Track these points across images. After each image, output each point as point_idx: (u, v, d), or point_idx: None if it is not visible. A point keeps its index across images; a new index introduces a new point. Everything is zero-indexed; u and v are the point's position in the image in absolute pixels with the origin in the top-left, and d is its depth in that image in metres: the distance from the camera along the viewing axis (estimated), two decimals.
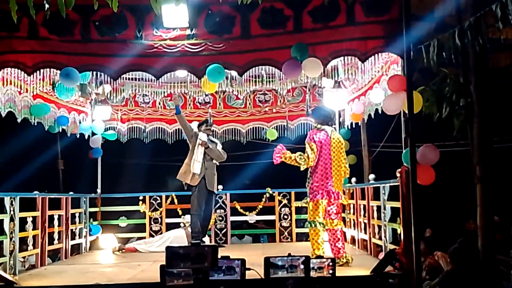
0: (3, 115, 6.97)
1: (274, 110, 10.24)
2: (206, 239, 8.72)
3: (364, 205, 7.79)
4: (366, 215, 7.65)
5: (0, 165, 9.38)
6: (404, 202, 5.50)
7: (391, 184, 6.51)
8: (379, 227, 7.07)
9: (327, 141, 6.47)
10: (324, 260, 3.25)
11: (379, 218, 7.08)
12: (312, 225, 6.39)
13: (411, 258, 5.07)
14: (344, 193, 8.67)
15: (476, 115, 5.54)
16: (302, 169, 6.51)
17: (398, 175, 5.64)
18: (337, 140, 6.59)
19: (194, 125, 8.81)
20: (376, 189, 7.31)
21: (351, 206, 8.70)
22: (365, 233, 7.74)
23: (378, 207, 7.10)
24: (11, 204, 6.60)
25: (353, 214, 8.50)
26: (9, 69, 6.20)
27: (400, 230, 5.84)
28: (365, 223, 7.78)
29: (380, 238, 7.02)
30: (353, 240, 8.63)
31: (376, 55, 6.08)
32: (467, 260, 5.17)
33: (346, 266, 6.29)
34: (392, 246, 6.29)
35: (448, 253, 5.48)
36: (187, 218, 8.93)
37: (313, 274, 3.87)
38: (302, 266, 3.28)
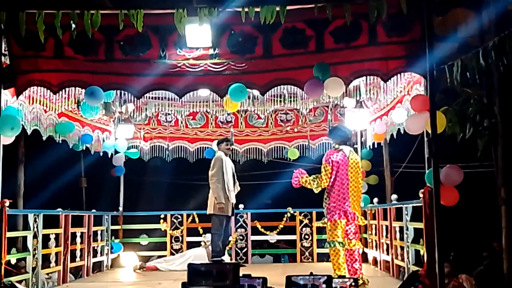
0: (29, 133, 7.07)
1: (295, 130, 10.24)
2: (226, 258, 8.70)
3: (386, 226, 7.71)
4: (389, 236, 7.57)
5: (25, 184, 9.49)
6: (427, 223, 5.43)
7: (414, 204, 6.44)
8: (402, 248, 6.99)
9: (344, 161, 6.46)
10: (346, 280, 3.22)
11: (401, 239, 7.00)
12: (332, 245, 6.37)
13: (435, 280, 5.00)
14: (365, 214, 8.65)
15: (501, 136, 5.48)
16: (316, 191, 6.50)
17: (421, 195, 5.58)
18: (355, 161, 6.58)
19: (214, 144, 8.84)
20: (398, 209, 7.25)
21: (373, 227, 8.62)
22: (388, 254, 7.65)
23: (401, 228, 7.03)
24: (35, 221, 6.67)
25: (375, 235, 8.42)
26: (35, 87, 6.31)
27: (423, 251, 5.76)
28: (387, 244, 7.70)
29: (402, 260, 6.94)
30: (375, 261, 8.54)
31: (398, 75, 6.07)
32: (493, 284, 5.08)
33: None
34: (415, 268, 6.21)
35: (473, 276, 5.40)
36: (208, 237, 8.93)
37: None
38: (324, 286, 3.24)
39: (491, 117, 5.66)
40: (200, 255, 8.72)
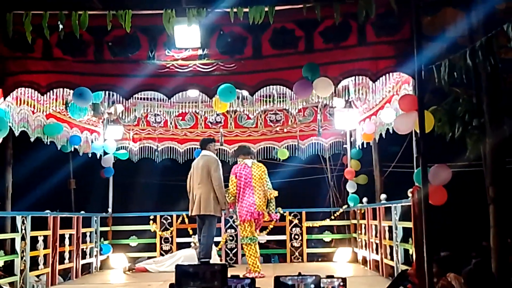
0: (17, 134, 7.03)
1: (285, 130, 10.25)
2: (216, 259, 8.69)
3: (376, 225, 7.73)
4: (378, 235, 7.59)
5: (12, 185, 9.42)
6: (416, 222, 5.44)
7: (403, 204, 6.47)
8: (391, 247, 7.01)
9: (247, 171, 7.61)
10: (335, 280, 3.22)
11: (390, 238, 7.02)
12: (252, 240, 7.54)
13: (424, 280, 5.01)
14: (354, 213, 8.67)
15: (489, 135, 5.49)
16: (230, 201, 7.69)
17: (409, 195, 5.60)
18: (257, 170, 7.67)
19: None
20: (387, 209, 7.27)
21: (363, 226, 8.64)
22: (377, 253, 7.67)
23: (390, 227, 7.05)
24: (23, 223, 6.63)
25: (365, 234, 8.44)
26: (23, 89, 6.27)
27: (412, 250, 5.78)
28: (376, 244, 7.72)
29: (392, 259, 6.95)
30: (364, 261, 8.55)
31: (387, 75, 6.09)
32: (482, 283, 5.09)
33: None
34: (404, 267, 6.23)
35: (463, 275, 5.40)
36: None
37: None
38: (312, 286, 3.24)
39: (480, 117, 5.68)
40: (190, 256, 8.68)
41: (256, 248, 7.59)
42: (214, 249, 8.69)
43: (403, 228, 6.62)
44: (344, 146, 9.93)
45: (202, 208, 7.67)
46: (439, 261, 5.86)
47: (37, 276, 7.55)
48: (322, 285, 3.25)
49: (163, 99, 8.11)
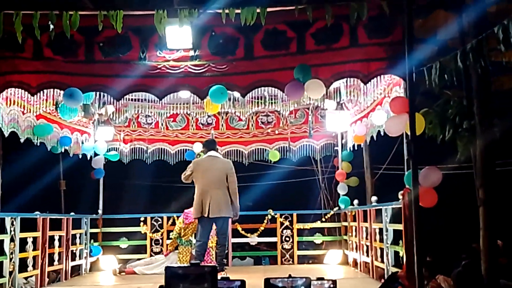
0: (6, 135, 6.97)
1: (276, 132, 10.25)
2: None
3: (366, 228, 7.74)
4: (369, 237, 7.60)
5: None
6: (406, 224, 5.46)
7: (394, 206, 6.48)
8: (382, 249, 7.02)
9: None
10: (325, 282, 3.21)
11: (381, 240, 7.03)
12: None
13: (414, 282, 5.01)
14: (345, 215, 8.66)
15: (480, 137, 5.51)
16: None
17: (400, 197, 5.60)
18: None
19: (197, 147, 8.73)
20: (378, 211, 7.28)
21: (353, 228, 8.65)
22: (367, 256, 7.68)
23: (381, 230, 7.06)
24: (12, 224, 6.58)
25: (355, 236, 8.44)
26: (12, 89, 6.23)
27: (402, 252, 5.79)
28: (367, 246, 7.72)
29: (382, 261, 6.96)
30: (355, 263, 8.56)
31: (378, 77, 6.10)
32: (471, 284, 5.11)
33: None
34: (395, 269, 6.24)
35: (452, 277, 5.42)
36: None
37: None
38: None
39: (470, 119, 5.70)
40: None
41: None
42: None
43: (394, 230, 6.63)
44: (335, 148, 9.94)
45: (222, 210, 7.33)
46: (427, 264, 5.89)
47: (26, 278, 7.50)
48: (312, 287, 3.25)
49: (154, 100, 8.07)
